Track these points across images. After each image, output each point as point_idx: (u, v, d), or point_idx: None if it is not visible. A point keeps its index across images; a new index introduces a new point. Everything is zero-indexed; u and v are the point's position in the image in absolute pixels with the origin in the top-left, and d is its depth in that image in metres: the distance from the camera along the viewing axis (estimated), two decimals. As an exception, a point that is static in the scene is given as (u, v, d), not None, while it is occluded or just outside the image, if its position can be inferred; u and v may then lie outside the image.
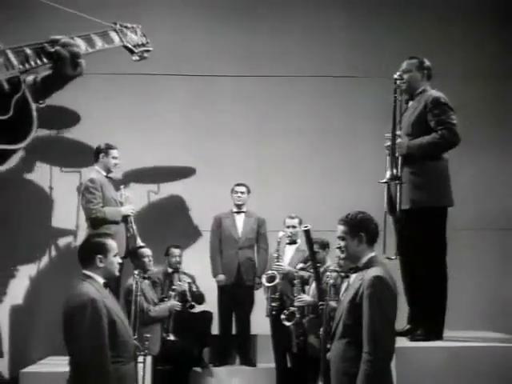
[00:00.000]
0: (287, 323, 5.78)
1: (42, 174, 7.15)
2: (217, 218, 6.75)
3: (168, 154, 7.27)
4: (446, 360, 4.17)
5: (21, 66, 1.64)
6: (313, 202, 7.07)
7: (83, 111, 7.10)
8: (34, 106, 1.68)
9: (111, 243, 3.54)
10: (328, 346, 3.65)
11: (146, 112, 7.29)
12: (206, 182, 7.25)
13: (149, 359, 5.43)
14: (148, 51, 2.16)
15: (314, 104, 7.47)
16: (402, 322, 4.43)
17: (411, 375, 4.11)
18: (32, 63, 1.68)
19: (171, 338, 6.08)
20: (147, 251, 6.10)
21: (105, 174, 5.85)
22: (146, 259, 6.10)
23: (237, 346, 6.74)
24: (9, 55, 1.63)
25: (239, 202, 6.68)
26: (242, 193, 6.68)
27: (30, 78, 1.76)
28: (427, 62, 4.68)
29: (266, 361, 6.54)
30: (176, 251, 6.59)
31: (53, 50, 1.70)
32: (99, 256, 3.50)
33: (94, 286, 3.42)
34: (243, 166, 7.26)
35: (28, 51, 1.67)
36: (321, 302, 4.24)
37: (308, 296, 5.79)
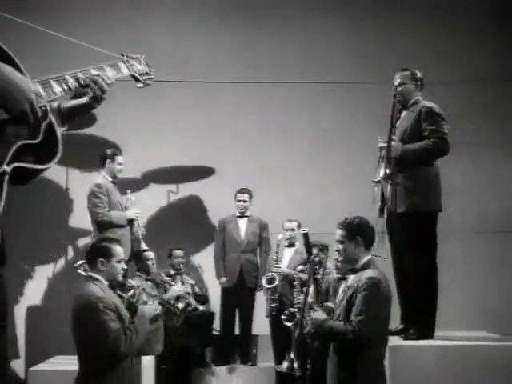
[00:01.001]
0: (288, 323, 5.92)
1: (59, 175, 7.25)
2: (221, 222, 6.96)
3: (187, 154, 7.45)
4: (437, 358, 4.29)
5: (49, 95, 1.86)
6: (312, 205, 7.23)
7: (100, 114, 7.16)
8: (59, 130, 1.89)
9: (116, 248, 3.66)
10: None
11: (160, 116, 7.48)
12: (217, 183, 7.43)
13: (152, 358, 5.59)
14: (151, 79, 2.37)
15: (313, 109, 7.62)
16: (395, 321, 4.60)
17: (404, 372, 4.23)
18: (58, 93, 1.90)
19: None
20: (151, 254, 6.21)
21: (110, 179, 5.99)
22: (150, 262, 6.21)
23: (238, 346, 6.90)
24: (37, 87, 1.83)
25: (242, 210, 6.89)
26: (244, 201, 6.89)
27: (54, 105, 1.94)
28: (419, 74, 4.83)
29: (266, 360, 6.68)
30: (178, 253, 6.75)
31: (82, 82, 1.91)
32: (101, 259, 3.62)
33: (98, 287, 3.54)
34: (244, 169, 7.42)
35: (52, 83, 1.88)
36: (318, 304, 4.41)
37: (308, 297, 5.94)
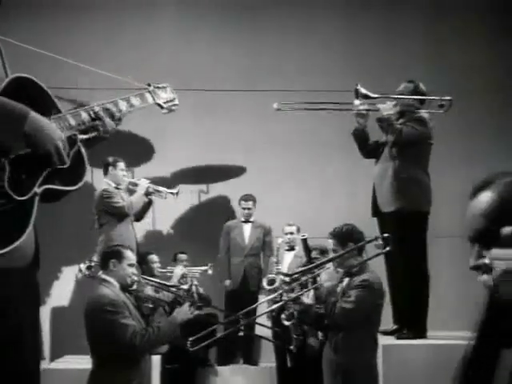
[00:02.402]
0: (286, 323, 6.12)
1: (88, 175, 7.36)
2: (226, 227, 7.22)
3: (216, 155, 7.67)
4: (429, 357, 4.45)
5: (78, 126, 2.11)
6: (311, 210, 7.42)
7: (132, 114, 7.37)
8: (86, 156, 2.13)
9: (128, 252, 3.89)
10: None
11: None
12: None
13: (158, 358, 5.79)
14: (175, 105, 2.59)
15: (313, 117, 7.80)
16: (388, 322, 4.80)
17: (396, 371, 4.41)
18: (86, 124, 2.15)
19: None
20: (155, 257, 6.43)
21: (114, 185, 6.13)
22: (155, 265, 6.42)
23: (240, 347, 7.11)
24: (67, 117, 2.08)
25: (247, 217, 7.14)
26: (249, 208, 7.13)
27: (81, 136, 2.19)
28: (422, 86, 4.99)
29: (268, 360, 6.85)
30: (183, 257, 6.94)
31: (102, 115, 2.15)
32: (113, 260, 3.84)
33: (110, 289, 3.76)
34: (247, 176, 7.67)
35: (83, 114, 2.14)
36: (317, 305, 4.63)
37: (307, 299, 6.15)
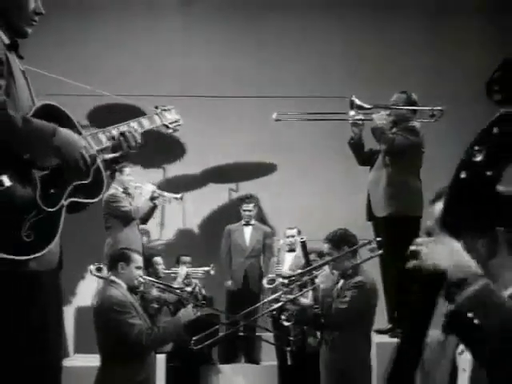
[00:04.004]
0: (286, 323, 6.32)
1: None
2: (227, 230, 7.43)
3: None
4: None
5: (97, 147, 2.39)
6: (311, 213, 7.63)
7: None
8: (104, 173, 2.42)
9: (136, 256, 4.11)
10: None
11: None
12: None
13: (162, 357, 5.95)
14: (179, 125, 2.86)
15: (313, 122, 7.99)
16: (383, 321, 5.01)
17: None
18: (104, 145, 2.43)
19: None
20: (160, 259, 6.60)
21: (121, 190, 6.29)
22: (159, 267, 6.60)
23: (242, 346, 7.30)
24: (88, 139, 2.35)
25: (248, 219, 7.36)
26: (250, 210, 7.34)
27: (103, 156, 2.46)
28: (414, 96, 5.18)
29: (269, 359, 7.04)
30: (186, 259, 7.10)
31: (120, 138, 2.41)
32: (121, 263, 4.06)
33: (118, 290, 3.97)
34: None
35: (101, 136, 2.42)
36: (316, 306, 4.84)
37: (306, 299, 6.37)
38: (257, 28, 8.14)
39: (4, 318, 2.13)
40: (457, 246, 1.36)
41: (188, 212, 7.74)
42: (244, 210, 7.35)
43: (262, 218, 7.85)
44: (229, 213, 7.80)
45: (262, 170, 8.01)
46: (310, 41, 8.13)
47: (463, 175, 1.34)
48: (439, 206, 1.49)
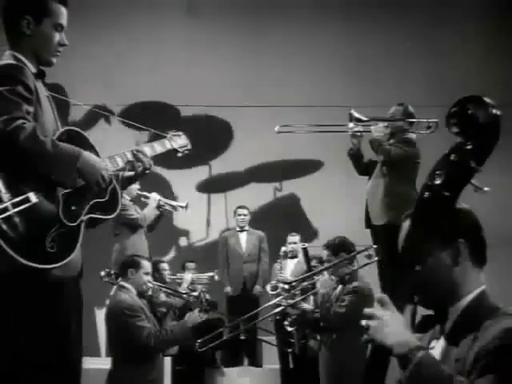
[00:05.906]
0: (289, 328, 6.51)
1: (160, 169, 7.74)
2: (223, 237, 7.70)
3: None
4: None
5: (114, 168, 2.63)
6: (313, 220, 7.89)
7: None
8: (120, 191, 2.66)
9: (145, 262, 4.34)
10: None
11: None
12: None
13: (168, 360, 6.10)
14: (188, 150, 3.06)
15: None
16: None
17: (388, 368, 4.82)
18: (120, 167, 2.66)
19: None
20: (166, 265, 6.79)
21: (129, 198, 6.49)
22: (165, 272, 6.79)
23: (245, 349, 7.48)
24: (106, 161, 2.59)
25: (242, 224, 7.59)
26: (244, 215, 7.59)
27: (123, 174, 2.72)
28: (411, 109, 5.37)
29: (272, 362, 7.18)
30: (191, 265, 7.30)
31: (133, 159, 2.66)
32: (131, 269, 4.29)
33: (128, 295, 4.19)
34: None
35: (118, 158, 2.64)
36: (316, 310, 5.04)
37: (308, 305, 6.56)
38: (262, 36, 8.35)
39: (32, 318, 2.37)
40: (400, 322, 1.57)
41: (231, 211, 7.94)
42: (239, 215, 7.56)
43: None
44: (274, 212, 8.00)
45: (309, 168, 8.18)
46: (315, 48, 8.33)
47: (426, 195, 1.56)
48: (407, 224, 1.71)
